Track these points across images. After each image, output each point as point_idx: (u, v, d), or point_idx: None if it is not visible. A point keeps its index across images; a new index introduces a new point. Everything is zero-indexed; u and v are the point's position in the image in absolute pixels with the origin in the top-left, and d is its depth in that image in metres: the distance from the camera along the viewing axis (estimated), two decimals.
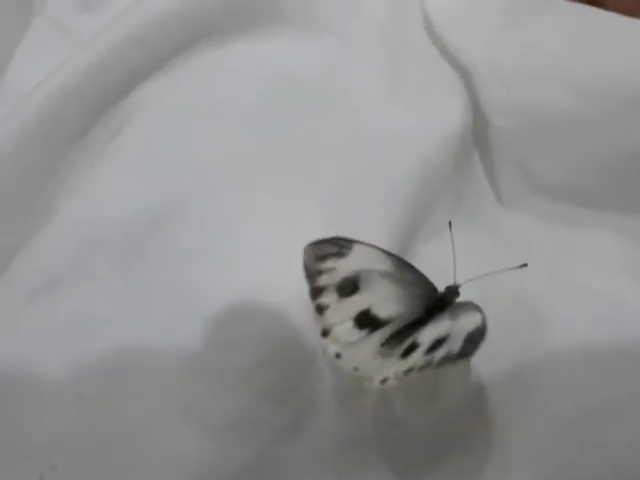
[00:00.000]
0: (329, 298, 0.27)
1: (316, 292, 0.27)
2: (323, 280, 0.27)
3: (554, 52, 0.34)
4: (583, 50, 0.33)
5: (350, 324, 0.27)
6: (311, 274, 0.27)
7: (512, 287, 0.29)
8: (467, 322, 0.25)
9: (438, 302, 0.28)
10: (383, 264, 0.28)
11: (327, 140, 0.34)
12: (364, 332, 0.27)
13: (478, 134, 0.35)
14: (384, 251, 0.28)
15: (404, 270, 0.28)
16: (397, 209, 0.32)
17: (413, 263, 0.28)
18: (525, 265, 0.27)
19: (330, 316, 0.27)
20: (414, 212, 0.32)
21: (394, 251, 0.29)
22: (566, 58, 0.34)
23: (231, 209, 0.32)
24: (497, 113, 0.35)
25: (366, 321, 0.27)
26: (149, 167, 0.33)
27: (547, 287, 0.30)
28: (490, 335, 0.24)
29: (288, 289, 0.28)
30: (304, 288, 0.27)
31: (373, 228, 0.31)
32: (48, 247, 0.31)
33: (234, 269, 0.30)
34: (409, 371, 0.25)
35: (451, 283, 0.28)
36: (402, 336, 0.27)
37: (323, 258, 0.27)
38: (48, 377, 0.29)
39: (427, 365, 0.24)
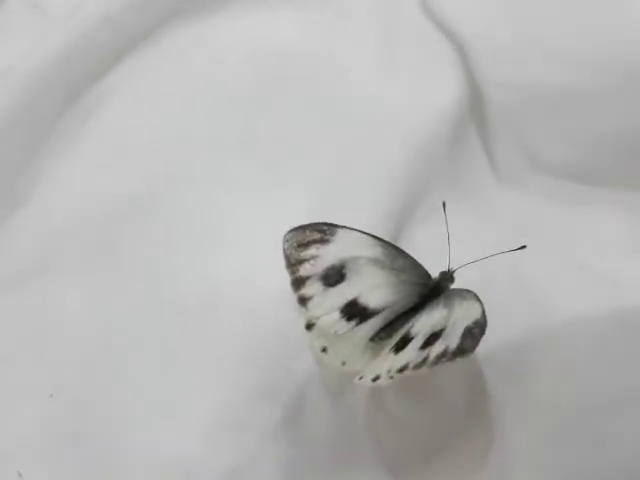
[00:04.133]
0: (313, 288, 0.25)
1: (299, 282, 0.25)
2: (306, 269, 0.25)
3: (553, 24, 0.33)
4: (583, 21, 0.32)
5: (337, 315, 0.26)
6: (292, 263, 0.25)
7: (510, 269, 0.27)
8: (464, 313, 0.24)
9: (432, 289, 0.26)
10: (371, 250, 0.26)
11: (314, 119, 0.33)
12: (352, 323, 0.26)
13: (475, 111, 0.33)
14: (372, 236, 0.26)
15: (394, 256, 0.26)
16: (389, 191, 0.30)
17: (408, 246, 0.27)
18: (524, 247, 0.25)
19: (314, 307, 0.25)
20: (407, 193, 0.31)
21: (387, 234, 0.28)
22: (565, 30, 0.32)
23: (210, 196, 0.31)
24: (494, 88, 0.33)
25: (354, 312, 0.26)
26: (123, 153, 0.32)
27: (547, 268, 0.28)
28: (490, 320, 0.23)
29: (272, 280, 0.27)
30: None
31: (364, 211, 0.29)
32: (15, 240, 0.30)
33: (213, 260, 0.29)
34: (403, 369, 0.23)
35: (445, 269, 0.26)
36: (394, 328, 0.25)
37: (305, 245, 0.25)
38: (17, 377, 0.28)
39: (423, 363, 0.23)
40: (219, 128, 0.32)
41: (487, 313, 0.23)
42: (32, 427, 0.27)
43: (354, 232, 0.26)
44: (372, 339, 0.25)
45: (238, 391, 0.27)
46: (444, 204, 0.27)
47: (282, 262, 0.25)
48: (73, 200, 0.31)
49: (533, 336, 0.26)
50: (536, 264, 0.27)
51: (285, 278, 0.26)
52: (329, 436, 0.26)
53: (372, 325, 0.26)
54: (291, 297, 0.26)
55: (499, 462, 0.25)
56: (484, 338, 0.23)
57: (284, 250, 0.25)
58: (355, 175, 0.31)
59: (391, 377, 0.23)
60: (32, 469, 0.26)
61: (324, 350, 0.25)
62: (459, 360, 0.22)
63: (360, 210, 0.29)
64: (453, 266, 0.26)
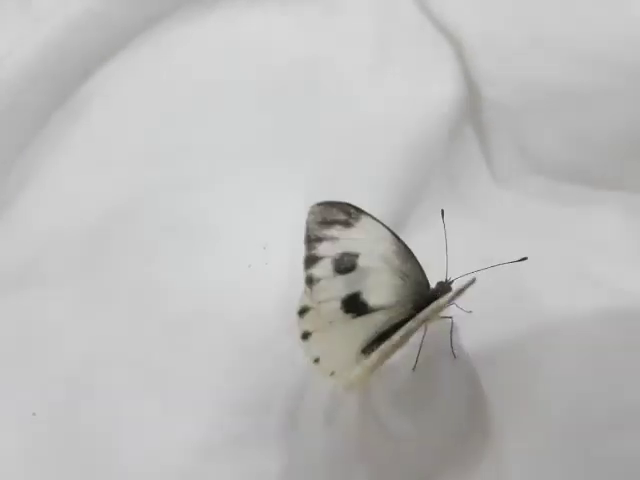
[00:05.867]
0: (324, 271, 0.24)
1: (312, 260, 0.24)
2: (324, 249, 0.24)
3: (552, 20, 0.32)
4: (581, 16, 0.32)
5: (337, 304, 0.24)
6: (312, 239, 0.23)
7: (509, 272, 0.26)
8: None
9: (427, 300, 0.25)
10: (386, 246, 0.24)
11: (309, 121, 0.31)
12: (349, 316, 0.24)
13: (472, 110, 0.33)
14: (392, 232, 0.25)
15: (405, 258, 0.25)
16: (387, 191, 0.29)
17: None
18: (525, 258, 0.25)
19: (319, 291, 0.24)
20: (405, 193, 0.30)
21: None
22: (565, 26, 0.32)
23: (198, 206, 0.29)
24: (491, 86, 0.33)
25: (353, 305, 0.24)
26: (108, 160, 0.30)
27: (545, 271, 0.28)
28: (485, 326, 0.24)
29: (261, 293, 0.26)
30: (282, 288, 0.26)
31: None
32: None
33: (199, 272, 0.27)
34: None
35: (443, 279, 0.25)
36: (385, 340, 0.24)
37: (329, 224, 0.24)
38: None
39: None
40: (209, 133, 0.30)
41: (484, 317, 0.24)
42: (16, 444, 0.25)
43: (377, 223, 0.24)
44: (364, 351, 0.24)
45: (226, 406, 0.25)
46: (442, 212, 0.27)
47: (274, 271, 0.25)
48: (57, 209, 0.29)
49: (531, 342, 0.26)
50: (534, 267, 0.27)
51: (276, 287, 0.25)
52: (322, 450, 0.25)
53: (366, 327, 0.25)
54: (282, 309, 0.25)
55: (496, 475, 0.25)
56: (482, 344, 0.24)
57: (307, 222, 0.23)
58: (352, 176, 0.30)
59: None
60: None
61: (316, 361, 0.24)
62: None
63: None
64: (451, 275, 0.25)
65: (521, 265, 0.26)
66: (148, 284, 0.27)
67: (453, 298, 0.23)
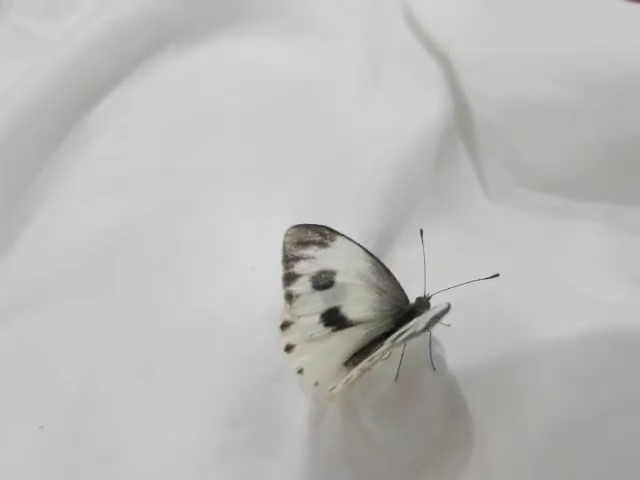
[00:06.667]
0: (302, 287, 0.26)
1: (290, 278, 0.26)
2: (300, 267, 0.26)
3: (536, 39, 0.34)
4: (566, 36, 0.33)
5: (317, 318, 0.26)
6: (289, 258, 0.26)
7: (490, 290, 0.28)
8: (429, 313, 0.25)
9: (406, 314, 0.26)
10: (362, 264, 0.26)
11: (300, 143, 0.33)
12: (329, 330, 0.26)
13: (463, 126, 0.35)
14: (366, 251, 0.26)
15: (381, 275, 0.26)
16: (375, 206, 0.31)
17: (392, 264, 0.27)
18: (497, 275, 0.26)
19: (299, 306, 0.26)
20: (392, 212, 0.31)
21: (372, 250, 0.28)
22: (549, 45, 0.33)
23: (198, 225, 0.31)
24: (480, 104, 0.34)
25: (333, 319, 0.26)
26: (111, 185, 0.32)
27: (528, 288, 0.29)
28: (463, 340, 0.25)
29: (256, 307, 0.28)
30: (270, 303, 0.27)
31: (349, 229, 0.29)
32: (9, 272, 0.30)
33: (199, 286, 0.29)
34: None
35: (422, 295, 0.27)
36: (367, 352, 0.26)
37: (305, 244, 0.26)
38: (6, 410, 0.27)
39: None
40: (205, 158, 0.32)
41: (462, 330, 0.25)
42: (23, 457, 0.26)
43: (352, 243, 0.26)
44: (346, 364, 0.26)
45: (220, 416, 0.27)
46: (422, 231, 0.28)
47: (264, 289, 0.27)
48: (63, 232, 0.31)
49: (509, 354, 0.27)
50: (517, 284, 0.28)
51: (266, 304, 0.27)
52: (310, 457, 0.26)
53: (346, 340, 0.26)
54: (272, 323, 0.26)
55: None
56: (464, 358, 0.25)
57: (284, 244, 0.26)
58: (341, 192, 0.31)
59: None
60: None
61: (300, 372, 0.26)
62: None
63: (345, 228, 0.29)
64: (429, 291, 0.27)
65: (503, 281, 0.26)
66: (148, 302, 0.29)
67: (428, 326, 0.24)
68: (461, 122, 0.34)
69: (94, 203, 0.32)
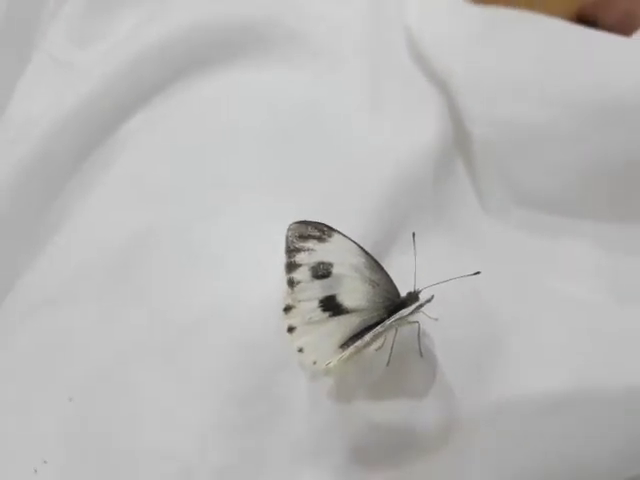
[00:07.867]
0: (302, 275, 0.29)
1: (292, 266, 0.29)
2: (301, 258, 0.29)
3: (528, 66, 0.36)
4: (556, 64, 0.35)
5: (315, 304, 0.29)
6: (291, 249, 0.29)
7: (478, 289, 0.30)
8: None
9: (397, 306, 0.29)
10: (357, 259, 0.29)
11: (306, 159, 0.35)
12: (326, 314, 0.29)
13: (461, 145, 0.36)
14: (361, 247, 0.30)
15: (374, 269, 0.30)
16: (371, 220, 0.33)
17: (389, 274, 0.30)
18: (478, 273, 0.28)
19: (299, 291, 0.29)
20: (389, 228, 0.33)
21: None
22: (540, 72, 0.35)
23: (208, 231, 0.33)
24: (476, 125, 0.36)
25: (330, 305, 0.29)
26: (137, 194, 0.35)
27: (522, 300, 0.31)
28: (449, 334, 0.28)
29: (263, 299, 0.30)
30: (276, 297, 0.29)
31: None
32: (40, 274, 0.34)
33: (211, 285, 0.32)
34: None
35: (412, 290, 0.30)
36: (360, 338, 0.28)
37: (305, 238, 0.29)
38: (39, 382, 0.31)
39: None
40: (220, 171, 0.35)
41: (451, 326, 0.28)
42: (49, 427, 0.30)
43: (347, 240, 0.30)
44: (342, 347, 0.29)
45: (229, 398, 0.29)
46: (414, 235, 0.30)
47: (270, 282, 0.30)
48: (87, 241, 0.34)
49: (499, 370, 0.29)
50: (511, 297, 0.30)
51: (270, 300, 0.30)
52: (309, 435, 0.29)
53: (342, 325, 0.29)
54: (276, 312, 0.29)
55: (461, 463, 0.28)
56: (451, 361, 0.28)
57: (287, 237, 0.29)
58: (341, 206, 0.33)
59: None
60: (47, 467, 0.29)
61: (300, 350, 0.29)
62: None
63: None
64: (420, 289, 0.29)
65: (496, 293, 0.31)
66: (165, 297, 0.31)
67: (414, 311, 0.28)
68: (459, 142, 0.36)
69: (117, 215, 0.34)
